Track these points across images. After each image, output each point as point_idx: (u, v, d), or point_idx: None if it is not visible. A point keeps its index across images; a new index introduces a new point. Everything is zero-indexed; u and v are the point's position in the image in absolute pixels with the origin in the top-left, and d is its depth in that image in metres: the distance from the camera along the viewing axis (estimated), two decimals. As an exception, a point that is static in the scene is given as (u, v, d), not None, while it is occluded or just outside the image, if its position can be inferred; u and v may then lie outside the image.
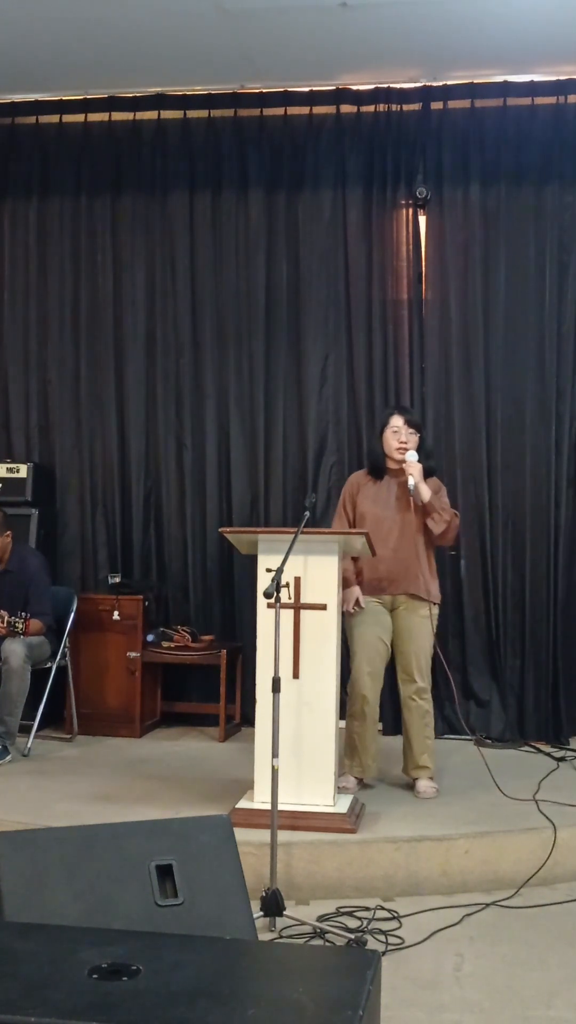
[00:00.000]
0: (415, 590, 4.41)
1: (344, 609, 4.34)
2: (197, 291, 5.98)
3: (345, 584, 4.37)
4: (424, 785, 4.40)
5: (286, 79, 5.77)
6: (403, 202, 5.81)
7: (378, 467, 4.53)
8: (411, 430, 4.49)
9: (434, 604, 4.46)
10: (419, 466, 4.37)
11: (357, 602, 4.40)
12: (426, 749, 4.45)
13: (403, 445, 4.44)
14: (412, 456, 4.38)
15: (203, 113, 5.97)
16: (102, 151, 6.07)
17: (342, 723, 4.16)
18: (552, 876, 3.84)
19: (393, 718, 4.93)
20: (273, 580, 3.49)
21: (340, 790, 4.20)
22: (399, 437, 4.46)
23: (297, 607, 3.96)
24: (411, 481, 4.32)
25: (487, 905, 3.66)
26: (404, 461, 4.40)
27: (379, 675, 4.45)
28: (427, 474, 4.45)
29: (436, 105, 5.74)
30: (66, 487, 6.07)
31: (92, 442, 6.06)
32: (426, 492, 4.36)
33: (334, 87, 5.81)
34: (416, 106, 5.77)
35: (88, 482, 6.06)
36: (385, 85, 5.76)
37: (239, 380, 5.92)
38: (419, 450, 4.45)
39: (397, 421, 4.49)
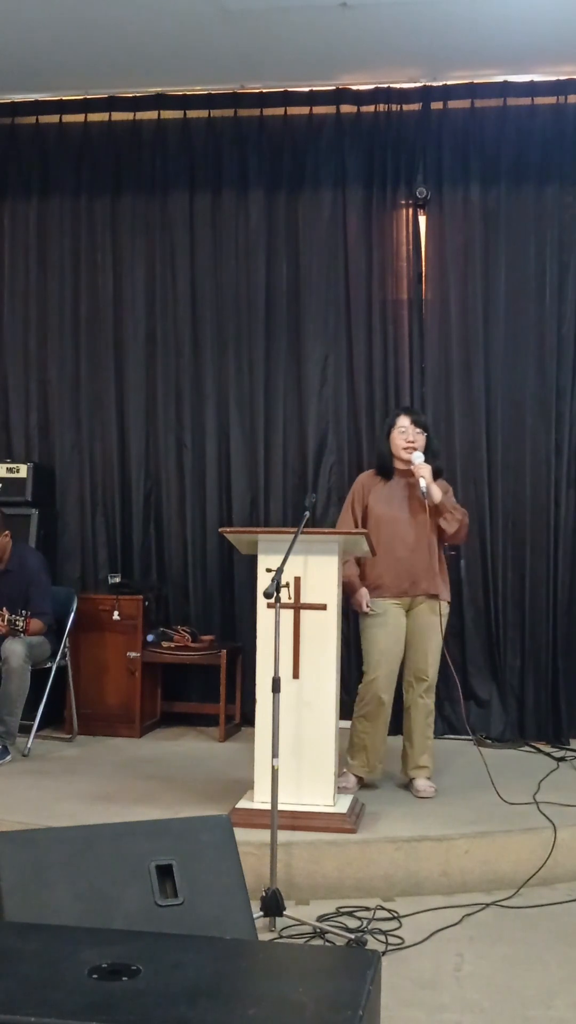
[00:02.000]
0: (434, 589, 4.44)
1: (360, 611, 4.44)
2: (197, 291, 5.98)
3: (352, 588, 4.41)
4: (422, 784, 4.40)
5: (286, 79, 5.77)
6: (403, 202, 5.81)
7: (386, 468, 4.53)
8: (418, 430, 4.49)
9: (447, 603, 4.51)
10: (428, 467, 4.39)
11: (366, 604, 4.44)
12: (426, 749, 4.47)
13: (410, 445, 4.45)
14: (419, 458, 4.40)
15: (203, 113, 5.97)
16: (102, 151, 6.07)
17: (343, 723, 4.15)
18: (552, 876, 3.84)
19: (393, 719, 4.92)
20: (273, 580, 3.49)
21: (340, 789, 4.21)
22: (406, 437, 4.47)
23: (297, 607, 3.95)
24: (422, 483, 4.32)
25: (487, 905, 3.66)
26: (411, 461, 4.41)
27: (395, 677, 4.47)
28: (434, 475, 4.46)
29: (436, 105, 5.75)
30: (66, 487, 6.07)
31: (92, 442, 6.07)
32: (437, 493, 4.38)
33: (334, 87, 5.81)
34: (416, 106, 5.77)
35: (88, 482, 6.06)
36: (385, 85, 5.76)
37: (239, 380, 5.92)
38: (426, 451, 4.46)
39: (404, 421, 4.50)
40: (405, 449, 4.45)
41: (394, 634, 4.43)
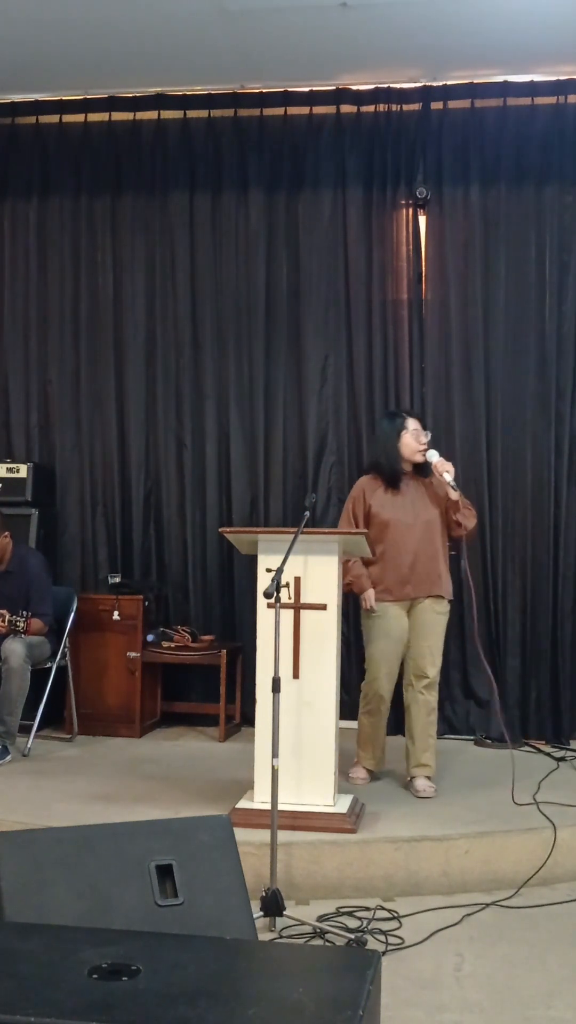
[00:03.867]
0: (438, 590, 4.49)
1: (364, 608, 4.50)
2: (197, 291, 5.98)
3: (360, 587, 4.48)
4: (422, 784, 4.41)
5: (286, 79, 5.77)
6: (403, 202, 5.81)
7: (395, 472, 4.50)
8: (424, 431, 4.56)
9: (450, 601, 4.56)
10: (450, 463, 4.45)
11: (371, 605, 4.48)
12: (428, 747, 4.48)
13: (424, 446, 4.51)
14: (435, 455, 4.46)
15: (203, 113, 5.97)
16: (102, 151, 6.07)
17: (343, 723, 4.16)
18: (552, 876, 3.84)
19: (396, 717, 4.93)
20: (273, 580, 3.49)
21: (350, 780, 4.39)
22: (419, 437, 4.51)
23: (297, 607, 3.96)
24: (448, 478, 4.38)
25: (487, 905, 3.66)
26: (425, 462, 4.47)
27: (395, 675, 4.53)
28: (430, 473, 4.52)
29: (436, 105, 5.74)
30: (66, 487, 6.08)
31: (92, 442, 6.07)
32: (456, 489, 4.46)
33: (334, 87, 5.81)
34: (416, 106, 5.77)
35: (88, 482, 6.06)
36: (385, 85, 5.76)
37: (239, 380, 5.92)
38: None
39: (414, 424, 4.54)
40: (420, 451, 4.48)
41: (394, 634, 4.46)
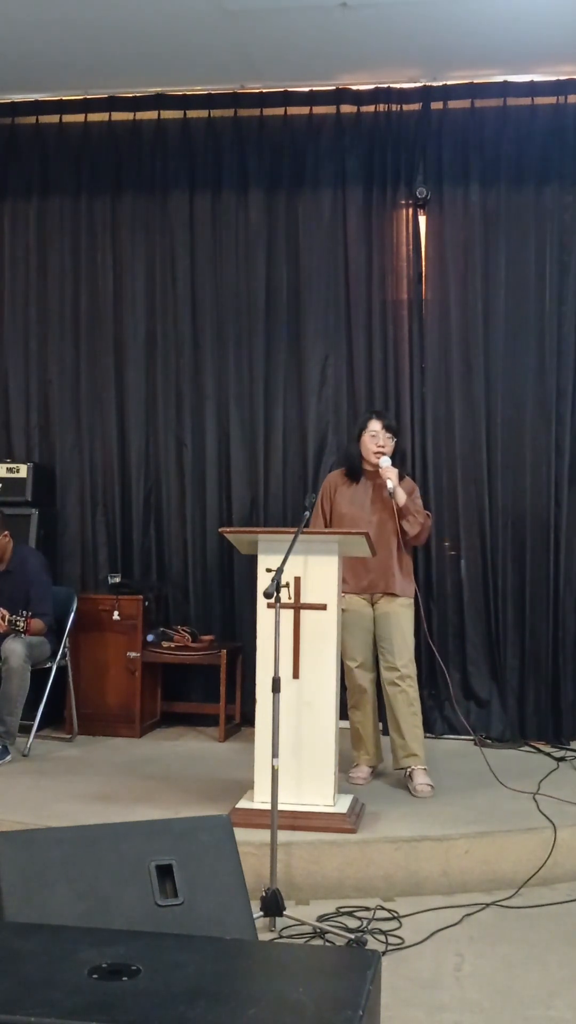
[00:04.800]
0: (392, 589, 4.57)
1: None
2: (197, 291, 5.98)
3: None
4: (420, 783, 4.40)
5: (286, 79, 5.76)
6: (403, 202, 5.80)
7: (355, 469, 4.65)
8: (388, 435, 4.61)
9: (409, 598, 4.61)
10: (395, 471, 4.53)
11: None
12: (416, 738, 4.48)
13: (380, 450, 4.56)
14: (386, 461, 4.52)
15: (203, 113, 5.96)
16: (102, 151, 6.07)
17: (343, 723, 4.16)
18: (552, 876, 3.84)
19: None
20: (273, 580, 3.49)
21: (351, 780, 4.42)
22: (377, 441, 4.58)
23: (297, 607, 3.96)
24: (389, 485, 4.47)
25: (487, 905, 3.66)
26: (379, 465, 4.52)
27: (370, 666, 4.60)
28: (400, 476, 4.59)
29: (436, 105, 5.74)
30: (66, 487, 6.07)
31: (92, 442, 6.06)
32: (402, 496, 4.52)
33: (334, 87, 5.80)
34: (416, 106, 5.76)
35: (88, 482, 6.06)
36: (385, 85, 5.76)
37: (239, 380, 5.92)
38: (393, 455, 4.59)
39: (375, 425, 4.61)
40: (375, 454, 4.56)
41: (360, 623, 4.55)
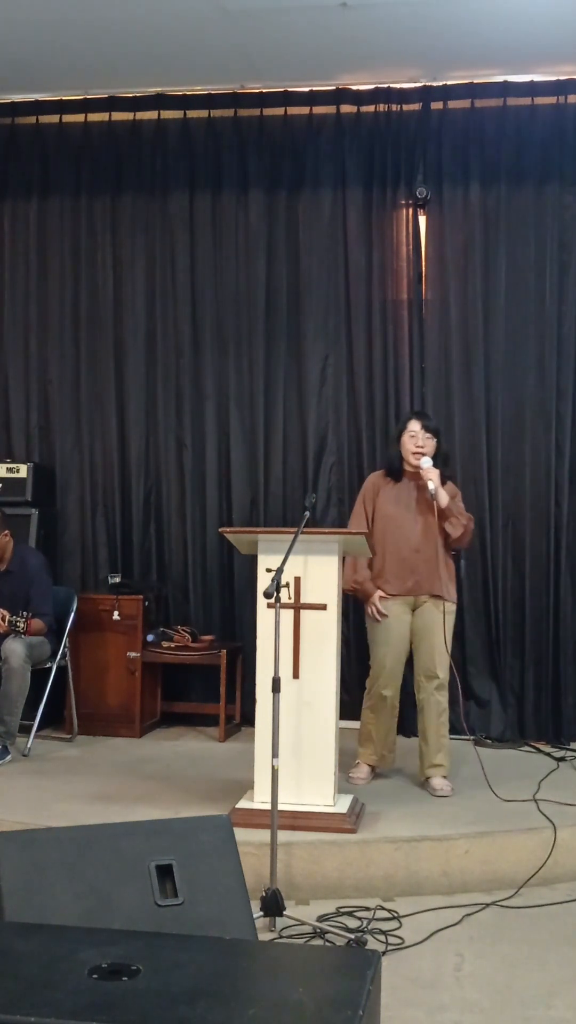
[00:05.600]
0: (438, 591, 4.49)
1: (371, 615, 4.51)
2: (197, 291, 5.98)
3: (365, 593, 4.50)
4: (439, 783, 4.43)
5: (286, 79, 5.76)
6: (403, 202, 5.80)
7: (395, 470, 4.59)
8: (428, 435, 4.55)
9: (453, 603, 4.55)
10: (436, 471, 4.45)
11: (379, 611, 4.48)
12: (442, 747, 4.50)
13: (419, 450, 4.50)
14: (427, 462, 4.46)
15: (203, 113, 5.97)
16: (102, 151, 6.07)
17: (343, 723, 4.16)
18: (552, 876, 3.84)
19: (410, 719, 4.94)
20: (273, 580, 3.49)
21: (350, 780, 4.40)
22: (416, 441, 4.52)
23: (297, 607, 3.96)
24: (431, 486, 4.40)
25: (487, 905, 3.66)
26: (420, 467, 4.46)
27: (399, 674, 4.54)
28: (442, 479, 4.50)
29: (436, 105, 5.74)
30: (66, 487, 6.07)
31: (92, 442, 6.07)
32: (444, 497, 4.44)
33: (334, 87, 5.80)
34: (416, 106, 5.76)
35: (88, 482, 6.06)
36: (385, 85, 5.76)
37: (239, 380, 5.92)
38: (435, 456, 4.52)
39: (415, 426, 4.56)
40: (414, 454, 4.50)
41: (397, 631, 4.48)
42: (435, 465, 4.48)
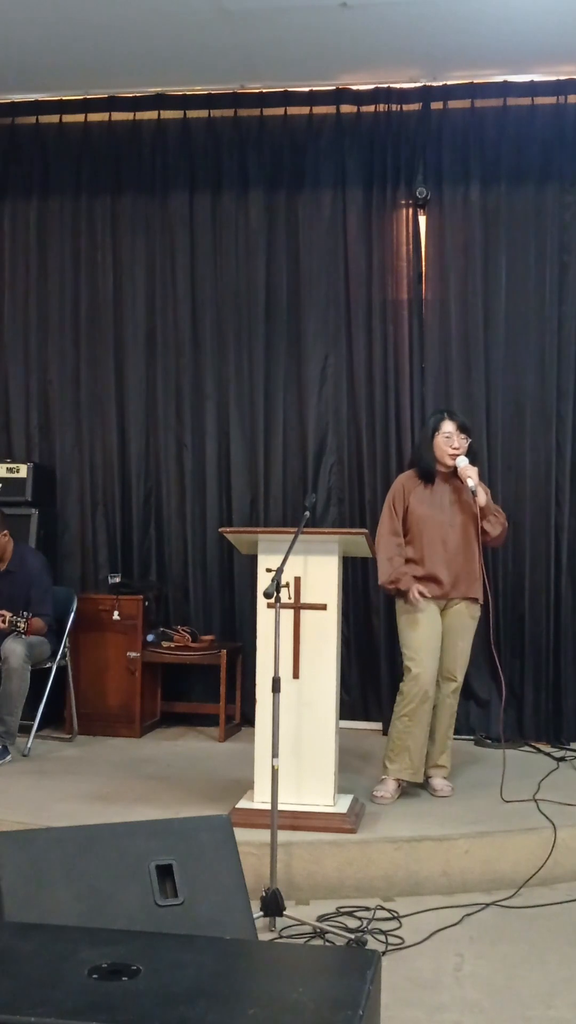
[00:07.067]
0: (474, 593, 4.44)
1: (414, 600, 4.31)
2: (197, 291, 5.98)
3: (407, 585, 4.32)
4: (440, 783, 4.43)
5: (286, 79, 5.76)
6: (403, 202, 5.80)
7: (429, 472, 4.47)
8: (462, 435, 4.47)
9: (481, 605, 4.50)
10: (475, 469, 4.40)
11: (422, 593, 4.33)
12: (446, 748, 4.50)
13: (456, 451, 4.42)
14: (463, 461, 4.39)
15: (203, 113, 5.97)
16: (102, 151, 6.07)
17: (343, 723, 4.16)
18: (552, 876, 3.84)
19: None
20: (273, 580, 3.49)
21: (375, 799, 4.25)
22: (451, 443, 4.43)
23: (297, 607, 3.96)
24: (471, 484, 4.33)
25: (487, 905, 3.66)
26: (455, 467, 4.39)
27: (436, 672, 4.42)
28: None
29: (436, 105, 5.74)
30: (66, 487, 6.08)
31: (92, 442, 6.07)
32: (483, 495, 4.37)
33: (334, 87, 5.80)
34: (416, 106, 5.76)
35: (88, 482, 6.06)
36: (385, 85, 5.76)
37: (239, 380, 5.92)
38: (467, 454, 4.45)
39: (449, 427, 4.46)
40: (451, 456, 4.42)
41: (432, 627, 4.39)
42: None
